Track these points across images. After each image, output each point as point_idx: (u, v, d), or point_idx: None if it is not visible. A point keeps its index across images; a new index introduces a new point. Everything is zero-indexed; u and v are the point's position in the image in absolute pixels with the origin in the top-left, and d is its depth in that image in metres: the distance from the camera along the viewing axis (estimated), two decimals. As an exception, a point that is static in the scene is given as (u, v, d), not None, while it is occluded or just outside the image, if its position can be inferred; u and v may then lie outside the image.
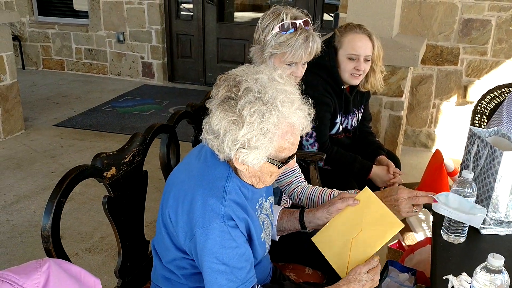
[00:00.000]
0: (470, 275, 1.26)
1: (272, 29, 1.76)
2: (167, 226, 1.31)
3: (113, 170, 1.44)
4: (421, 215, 2.46)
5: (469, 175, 1.42)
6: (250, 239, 1.30)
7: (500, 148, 1.44)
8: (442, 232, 1.51)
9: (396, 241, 2.44)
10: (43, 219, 1.22)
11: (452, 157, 3.42)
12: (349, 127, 2.42)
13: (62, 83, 6.05)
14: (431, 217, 2.44)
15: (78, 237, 2.85)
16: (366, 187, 1.47)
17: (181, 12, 6.01)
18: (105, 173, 1.40)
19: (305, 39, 1.74)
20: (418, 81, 4.02)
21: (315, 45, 1.77)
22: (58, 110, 5.07)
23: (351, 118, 2.40)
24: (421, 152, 4.20)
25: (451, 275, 1.30)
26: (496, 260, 1.02)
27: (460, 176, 1.45)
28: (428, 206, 2.50)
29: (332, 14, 5.81)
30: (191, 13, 5.90)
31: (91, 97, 5.52)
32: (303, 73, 1.83)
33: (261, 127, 1.16)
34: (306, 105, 1.25)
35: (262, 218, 1.39)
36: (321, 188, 1.72)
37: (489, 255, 1.04)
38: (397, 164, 2.48)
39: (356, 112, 2.43)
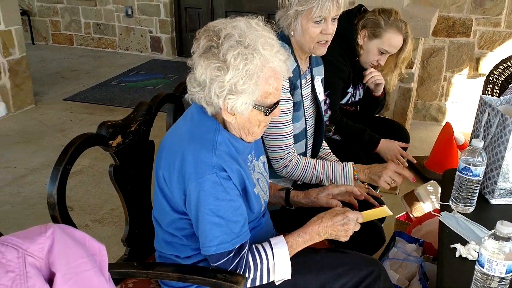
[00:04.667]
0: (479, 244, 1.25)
1: None
2: (162, 188, 1.32)
3: (119, 139, 1.43)
4: (429, 187, 2.44)
5: (479, 143, 1.40)
6: (245, 192, 1.32)
7: (511, 117, 1.41)
8: (450, 202, 1.50)
9: (404, 212, 2.43)
10: (49, 186, 1.22)
11: (463, 131, 3.39)
12: (356, 99, 2.40)
13: (71, 57, 6.04)
14: (439, 189, 2.43)
15: (88, 209, 2.88)
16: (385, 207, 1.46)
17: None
18: (110, 142, 1.40)
19: None
20: (429, 53, 3.94)
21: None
22: (68, 85, 5.08)
23: (360, 90, 2.38)
24: (431, 126, 4.15)
25: (459, 244, 1.30)
26: (505, 227, 1.01)
27: (470, 145, 1.43)
28: (435, 178, 2.50)
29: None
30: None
31: (100, 72, 5.51)
32: (334, 31, 1.72)
33: (246, 69, 1.19)
34: (284, 50, 1.27)
35: (256, 176, 1.40)
36: (319, 162, 1.79)
37: (497, 222, 1.03)
38: (406, 137, 2.45)
39: (365, 85, 2.40)
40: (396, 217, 2.38)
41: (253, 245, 1.31)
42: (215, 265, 1.26)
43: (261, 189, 1.43)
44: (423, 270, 1.77)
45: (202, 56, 1.22)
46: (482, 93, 2.35)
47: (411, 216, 2.37)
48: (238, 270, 1.26)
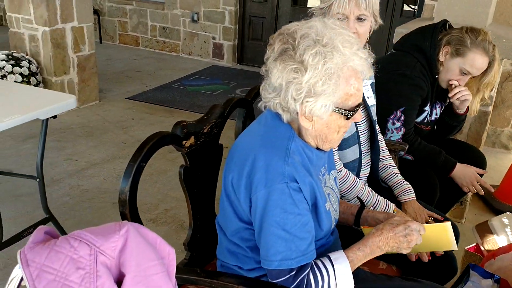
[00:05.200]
0: None
1: None
2: (229, 195, 1.27)
3: (192, 140, 1.40)
4: (504, 219, 2.27)
5: None
6: (315, 207, 1.24)
7: None
8: (543, 238, 1.35)
9: (474, 244, 2.27)
10: (122, 182, 1.19)
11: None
12: (433, 118, 2.27)
13: (136, 58, 6.19)
14: (516, 223, 2.25)
15: (143, 207, 2.89)
16: (448, 224, 1.34)
17: (256, -6, 5.95)
18: (184, 142, 1.36)
19: None
20: (504, 77, 3.74)
21: None
22: (131, 84, 5.19)
23: (437, 108, 2.26)
24: (500, 153, 3.93)
25: (557, 287, 1.16)
26: None
27: None
28: (506, 210, 2.31)
29: (412, 6, 5.54)
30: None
31: (163, 74, 5.61)
32: (362, 32, 1.64)
33: (325, 68, 1.11)
34: (365, 49, 1.19)
35: (327, 191, 1.32)
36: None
37: None
38: (483, 163, 2.30)
39: (443, 104, 2.27)
40: (465, 248, 2.23)
41: (313, 261, 1.22)
42: (275, 281, 1.19)
43: (332, 205, 1.34)
44: (499, 310, 1.62)
45: (277, 60, 1.16)
46: None
47: (482, 248, 2.21)
48: None
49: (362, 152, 1.81)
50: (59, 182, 3.14)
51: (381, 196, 1.73)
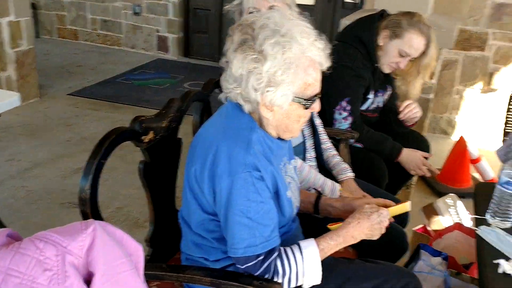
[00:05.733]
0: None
1: None
2: (192, 187, 1.27)
3: (151, 135, 1.38)
4: (448, 200, 2.40)
5: (523, 157, 1.36)
6: (277, 195, 1.26)
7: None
8: (487, 216, 1.45)
9: (421, 225, 2.39)
10: (81, 180, 1.17)
11: (473, 145, 3.36)
12: (376, 106, 2.36)
13: (76, 53, 5.97)
14: (458, 202, 2.39)
15: (95, 207, 2.81)
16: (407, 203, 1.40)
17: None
18: (143, 137, 1.35)
19: None
20: (443, 66, 3.92)
21: None
22: (73, 80, 5.01)
23: (380, 96, 2.34)
24: (441, 138, 4.11)
25: (503, 259, 1.25)
26: None
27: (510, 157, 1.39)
28: (447, 192, 2.45)
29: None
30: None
31: (106, 68, 5.45)
32: None
33: (284, 58, 1.14)
34: (321, 39, 1.22)
35: (287, 179, 1.34)
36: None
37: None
38: (428, 147, 2.41)
39: (388, 90, 2.36)
40: (413, 229, 2.34)
41: (282, 248, 1.25)
42: (242, 267, 1.21)
43: (293, 193, 1.37)
44: (448, 285, 1.73)
45: (237, 50, 1.17)
46: (507, 108, 2.32)
47: (429, 229, 2.33)
48: (267, 275, 1.21)
49: (305, 135, 1.86)
50: (1, 184, 3.00)
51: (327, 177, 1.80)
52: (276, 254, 1.22)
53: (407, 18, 2.11)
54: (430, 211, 2.38)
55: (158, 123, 1.41)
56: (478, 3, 3.66)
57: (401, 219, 1.78)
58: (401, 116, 2.23)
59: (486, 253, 1.31)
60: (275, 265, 1.21)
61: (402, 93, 2.34)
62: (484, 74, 3.88)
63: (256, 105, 1.21)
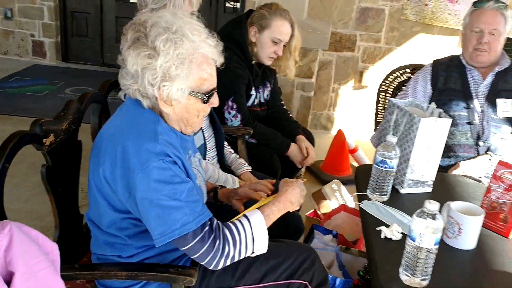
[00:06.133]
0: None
1: None
2: (101, 189, 1.27)
3: (51, 137, 1.37)
4: (333, 186, 2.65)
5: (393, 139, 1.59)
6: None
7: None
8: (368, 191, 1.67)
9: (312, 210, 2.61)
10: (-15, 187, 1.13)
11: (350, 137, 3.72)
12: (262, 100, 2.52)
13: None
14: (342, 187, 2.65)
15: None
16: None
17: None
18: (44, 140, 1.33)
19: None
20: (320, 66, 4.25)
21: None
22: None
23: (262, 91, 2.51)
24: (322, 133, 4.45)
25: (383, 226, 1.46)
26: (432, 205, 1.17)
27: (385, 140, 1.61)
28: (331, 180, 2.70)
29: (232, 3, 5.92)
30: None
31: (-26, 76, 5.01)
32: None
33: (176, 53, 1.21)
34: (213, 37, 1.31)
35: (194, 171, 1.41)
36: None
37: (425, 201, 1.19)
38: (311, 140, 2.64)
39: (268, 85, 2.54)
40: (306, 214, 2.55)
41: (229, 222, 1.30)
42: (187, 246, 1.22)
43: (201, 183, 1.45)
44: (339, 259, 1.93)
45: (131, 48, 1.22)
46: (376, 101, 2.63)
47: (319, 212, 2.56)
48: (217, 244, 1.24)
49: (206, 138, 1.97)
50: None
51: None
52: (219, 224, 1.27)
53: (267, 10, 2.33)
54: (319, 197, 2.61)
55: (58, 125, 1.41)
56: (346, 7, 4.05)
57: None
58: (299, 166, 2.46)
59: (370, 222, 1.51)
60: (224, 234, 1.26)
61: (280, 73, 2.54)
62: (355, 72, 4.29)
63: (155, 100, 1.25)
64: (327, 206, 2.55)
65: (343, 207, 2.42)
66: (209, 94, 1.30)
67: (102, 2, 5.61)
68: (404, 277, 1.23)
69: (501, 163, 1.51)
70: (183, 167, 1.27)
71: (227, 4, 5.77)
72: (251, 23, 2.33)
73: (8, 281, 0.92)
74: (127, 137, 1.23)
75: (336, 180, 2.73)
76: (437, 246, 1.19)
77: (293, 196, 1.42)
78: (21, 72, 5.30)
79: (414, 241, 1.19)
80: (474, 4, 2.21)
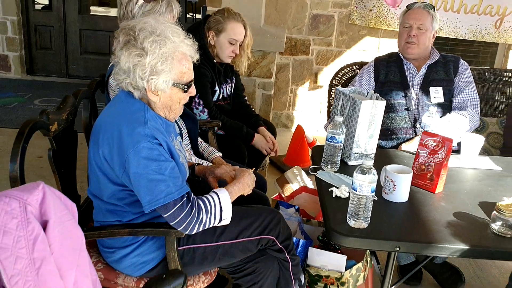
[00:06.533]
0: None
1: (136, 2, 2.08)
2: (101, 167, 1.54)
3: (55, 125, 1.63)
4: (295, 171, 2.97)
5: (340, 118, 1.93)
6: (174, 160, 1.57)
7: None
8: (322, 164, 2.00)
9: (277, 194, 2.92)
10: (11, 164, 1.38)
11: (308, 132, 4.07)
12: (225, 95, 2.83)
13: None
14: (302, 172, 2.98)
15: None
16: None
17: (37, 3, 5.83)
18: (50, 127, 1.59)
19: (168, 4, 2.12)
20: (278, 69, 4.59)
21: (177, 8, 2.17)
22: None
23: (225, 87, 2.82)
24: (283, 131, 4.77)
25: (334, 187, 1.79)
26: (367, 162, 1.51)
27: (333, 120, 1.95)
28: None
29: (191, 14, 6.29)
30: (47, 4, 5.78)
31: None
32: None
33: (161, 52, 1.50)
34: (189, 38, 1.62)
35: (177, 152, 1.67)
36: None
37: (362, 161, 1.52)
38: (273, 131, 2.96)
39: (230, 82, 2.85)
40: (272, 197, 2.86)
41: (201, 196, 1.59)
42: (169, 213, 1.47)
43: (184, 161, 1.74)
44: (301, 227, 2.25)
45: (123, 49, 1.51)
46: (328, 95, 2.98)
47: (283, 195, 2.87)
48: (193, 212, 1.50)
49: (181, 127, 2.24)
50: None
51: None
52: (192, 195, 1.55)
53: (221, 15, 2.65)
54: (282, 181, 2.93)
55: (59, 115, 1.66)
56: (299, 14, 4.41)
57: (260, 186, 2.27)
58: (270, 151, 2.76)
59: (323, 186, 1.84)
60: (199, 204, 1.54)
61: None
62: (310, 74, 4.66)
63: (144, 91, 1.54)
64: (290, 189, 2.86)
65: (304, 188, 2.74)
66: (188, 84, 1.60)
67: (65, 15, 5.79)
68: (351, 222, 1.56)
69: (425, 133, 1.87)
70: (167, 148, 1.55)
71: (188, 15, 6.10)
72: (209, 28, 2.64)
73: (43, 228, 1.17)
74: (121, 123, 1.51)
75: (297, 166, 3.06)
76: (373, 194, 1.53)
77: (249, 180, 1.74)
78: (-14, 86, 5.40)
79: (356, 190, 1.52)
80: (407, 6, 2.61)
